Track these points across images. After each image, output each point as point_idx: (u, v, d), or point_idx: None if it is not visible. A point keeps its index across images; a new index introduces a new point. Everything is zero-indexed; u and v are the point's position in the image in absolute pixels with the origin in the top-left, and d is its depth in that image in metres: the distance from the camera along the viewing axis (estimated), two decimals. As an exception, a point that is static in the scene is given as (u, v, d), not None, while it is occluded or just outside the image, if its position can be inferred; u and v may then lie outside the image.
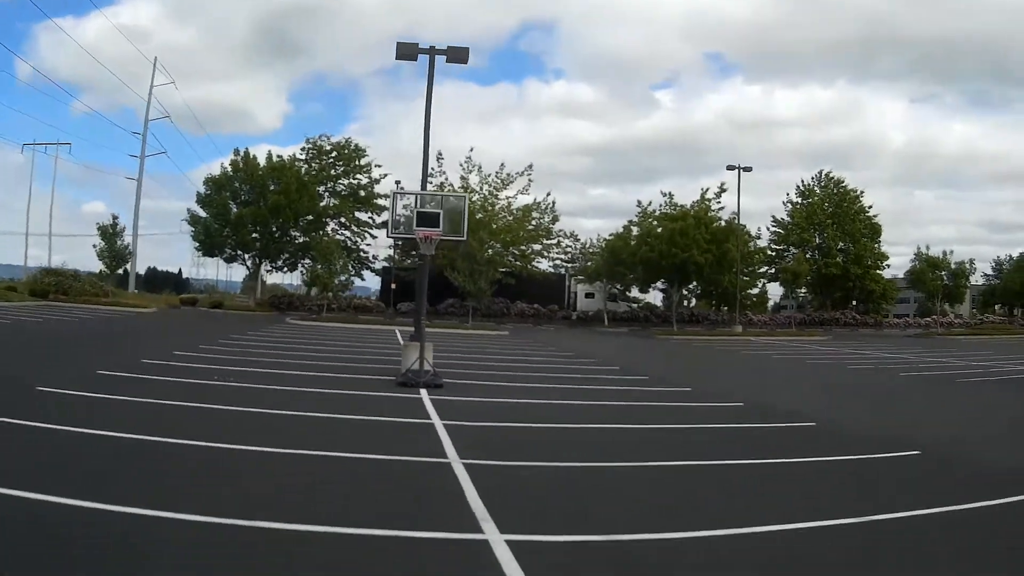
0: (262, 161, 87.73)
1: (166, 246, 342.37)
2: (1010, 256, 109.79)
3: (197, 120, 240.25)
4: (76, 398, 18.42)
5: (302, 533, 9.34)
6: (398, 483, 12.32)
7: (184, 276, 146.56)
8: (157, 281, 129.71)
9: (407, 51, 29.92)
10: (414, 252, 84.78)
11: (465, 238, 28.06)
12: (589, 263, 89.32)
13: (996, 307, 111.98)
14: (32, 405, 16.99)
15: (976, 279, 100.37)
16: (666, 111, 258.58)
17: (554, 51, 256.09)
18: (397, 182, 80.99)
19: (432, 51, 30.07)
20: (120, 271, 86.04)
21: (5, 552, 8.22)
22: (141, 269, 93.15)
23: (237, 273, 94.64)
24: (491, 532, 9.71)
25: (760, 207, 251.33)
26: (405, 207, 28.77)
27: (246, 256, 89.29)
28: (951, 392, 30.95)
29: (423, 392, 23.26)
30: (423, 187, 30.08)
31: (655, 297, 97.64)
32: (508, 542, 9.33)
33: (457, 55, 29.97)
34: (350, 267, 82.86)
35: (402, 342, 31.66)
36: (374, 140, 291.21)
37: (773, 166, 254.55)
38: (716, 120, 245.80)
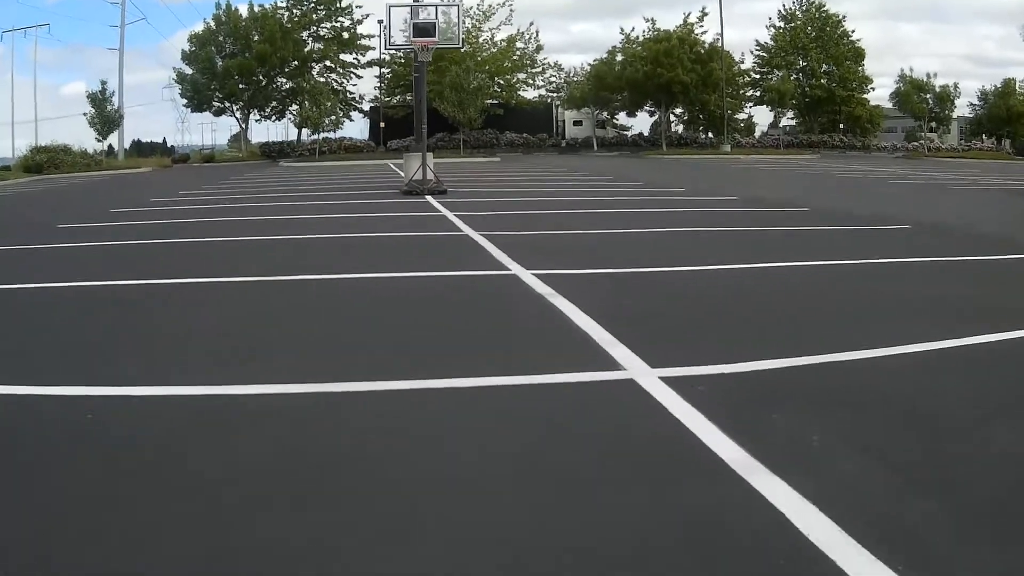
0: (244, 13, 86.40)
1: (149, 117, 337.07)
2: (996, 86, 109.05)
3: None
4: (97, 228, 19.20)
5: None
6: (429, 248, 13.74)
7: (169, 144, 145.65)
8: (143, 151, 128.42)
9: None
10: (399, 88, 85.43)
11: (461, 45, 28.70)
12: (575, 90, 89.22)
13: (983, 136, 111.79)
14: (58, 234, 17.87)
15: (963, 110, 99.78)
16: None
17: None
18: (380, 21, 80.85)
19: None
20: (109, 143, 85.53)
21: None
22: (126, 142, 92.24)
23: (221, 136, 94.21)
24: (516, 269, 11.75)
25: (742, 38, 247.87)
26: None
27: (234, 107, 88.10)
28: (940, 194, 31.52)
29: (429, 197, 24.38)
30: None
31: (644, 125, 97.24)
32: (534, 274, 11.06)
33: None
34: (339, 108, 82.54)
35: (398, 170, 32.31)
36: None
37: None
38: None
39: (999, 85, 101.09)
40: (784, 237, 16.10)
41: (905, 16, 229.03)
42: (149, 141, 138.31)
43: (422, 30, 26.26)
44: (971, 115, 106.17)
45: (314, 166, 60.52)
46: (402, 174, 28.82)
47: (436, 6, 27.87)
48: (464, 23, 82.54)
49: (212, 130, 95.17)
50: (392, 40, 28.48)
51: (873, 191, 32.35)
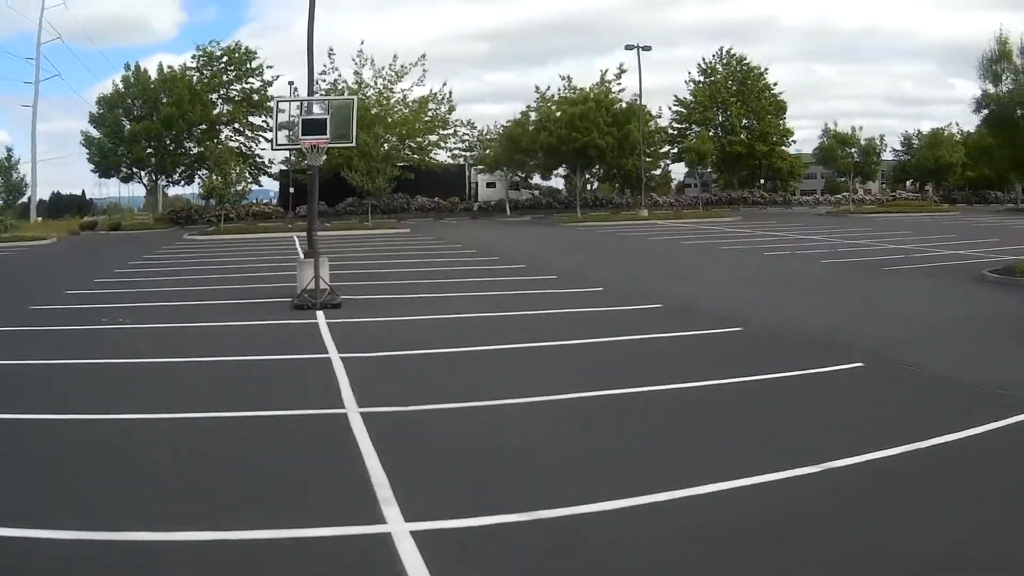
0: (154, 74, 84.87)
1: (68, 168, 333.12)
2: (919, 131, 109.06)
3: (90, 38, 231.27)
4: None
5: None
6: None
7: (88, 197, 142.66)
8: (61, 206, 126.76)
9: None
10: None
11: (354, 143, 26.13)
12: (488, 151, 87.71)
13: (907, 183, 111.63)
14: None
15: (886, 155, 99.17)
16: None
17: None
18: (291, 83, 79.91)
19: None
20: (19, 203, 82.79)
21: None
22: (45, 195, 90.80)
23: (140, 188, 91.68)
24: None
25: (660, 84, 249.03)
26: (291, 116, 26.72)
27: (142, 173, 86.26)
28: (879, 283, 29.39)
29: (319, 315, 21.72)
30: (309, 92, 28.22)
31: (558, 182, 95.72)
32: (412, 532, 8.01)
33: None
34: (246, 174, 79.76)
35: (300, 253, 29.74)
36: (270, 41, 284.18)
37: (673, 44, 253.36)
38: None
39: (925, 132, 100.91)
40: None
41: (823, 58, 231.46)
42: (69, 194, 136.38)
43: (312, 127, 23.97)
44: (894, 160, 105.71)
45: (215, 240, 58.30)
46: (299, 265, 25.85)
47: (328, 100, 25.54)
48: (376, 84, 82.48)
49: (148, 191, 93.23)
50: (279, 141, 26.21)
51: (811, 281, 29.97)
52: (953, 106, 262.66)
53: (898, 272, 31.64)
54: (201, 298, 26.20)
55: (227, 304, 24.74)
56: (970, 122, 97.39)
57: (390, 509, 8.11)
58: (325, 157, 25.77)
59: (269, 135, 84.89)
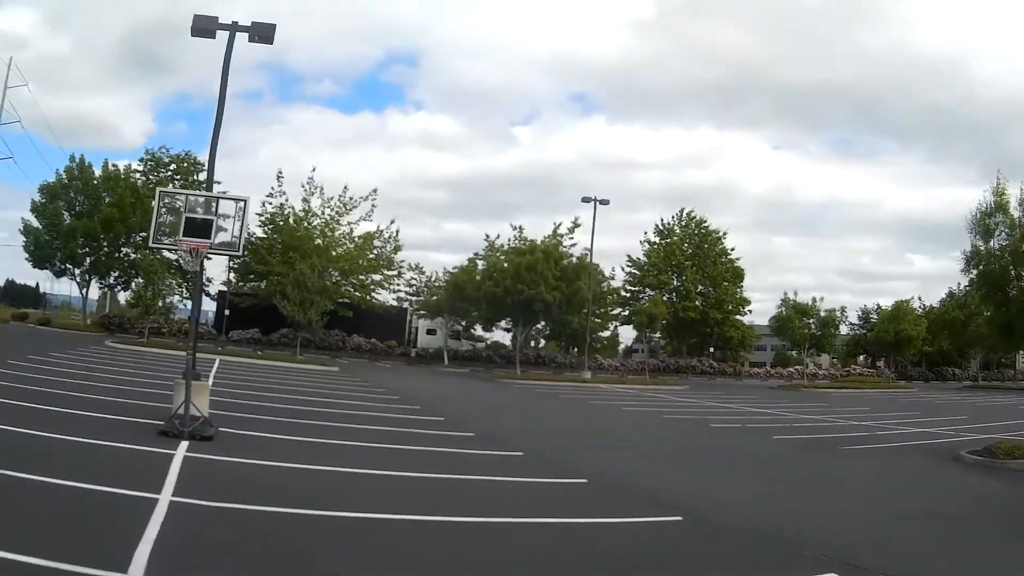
0: (98, 171, 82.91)
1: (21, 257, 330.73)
2: (878, 305, 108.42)
3: (51, 130, 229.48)
4: None
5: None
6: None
7: (42, 291, 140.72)
8: (15, 295, 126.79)
9: (205, 25, 24.43)
10: (251, 276, 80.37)
11: (241, 253, 22.96)
12: (434, 297, 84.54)
13: (860, 358, 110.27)
14: None
15: (841, 329, 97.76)
16: (526, 147, 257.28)
17: (416, 82, 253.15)
18: (236, 200, 76.73)
19: (234, 27, 24.53)
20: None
21: None
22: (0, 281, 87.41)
23: (95, 290, 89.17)
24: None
25: (616, 248, 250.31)
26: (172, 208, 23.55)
27: (76, 271, 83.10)
28: (843, 465, 26.27)
29: (182, 445, 18.47)
30: (208, 189, 24.80)
31: (503, 336, 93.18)
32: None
33: (262, 32, 24.58)
34: (178, 287, 77.20)
35: (211, 372, 26.19)
36: (231, 163, 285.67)
37: (631, 208, 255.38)
38: (576, 158, 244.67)
39: (887, 305, 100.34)
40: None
41: (779, 229, 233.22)
42: (24, 284, 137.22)
43: (197, 228, 21.13)
44: (850, 333, 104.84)
45: (132, 351, 55.42)
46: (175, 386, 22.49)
47: (217, 199, 22.25)
48: (323, 214, 79.90)
49: (80, 291, 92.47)
50: (162, 231, 22.99)
51: (765, 461, 26.31)
52: (910, 281, 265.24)
53: (864, 452, 29.00)
54: (71, 406, 23.33)
55: (92, 417, 22.03)
56: (932, 296, 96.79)
57: None
58: (200, 268, 22.19)
59: (211, 252, 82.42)
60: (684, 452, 27.64)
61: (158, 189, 23.83)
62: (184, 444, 18.55)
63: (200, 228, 21.06)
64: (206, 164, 23.85)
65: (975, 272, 76.82)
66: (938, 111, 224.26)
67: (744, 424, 37.94)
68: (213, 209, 22.03)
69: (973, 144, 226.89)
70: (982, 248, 73.47)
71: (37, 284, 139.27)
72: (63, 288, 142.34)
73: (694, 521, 15.34)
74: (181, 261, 21.87)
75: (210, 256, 23.26)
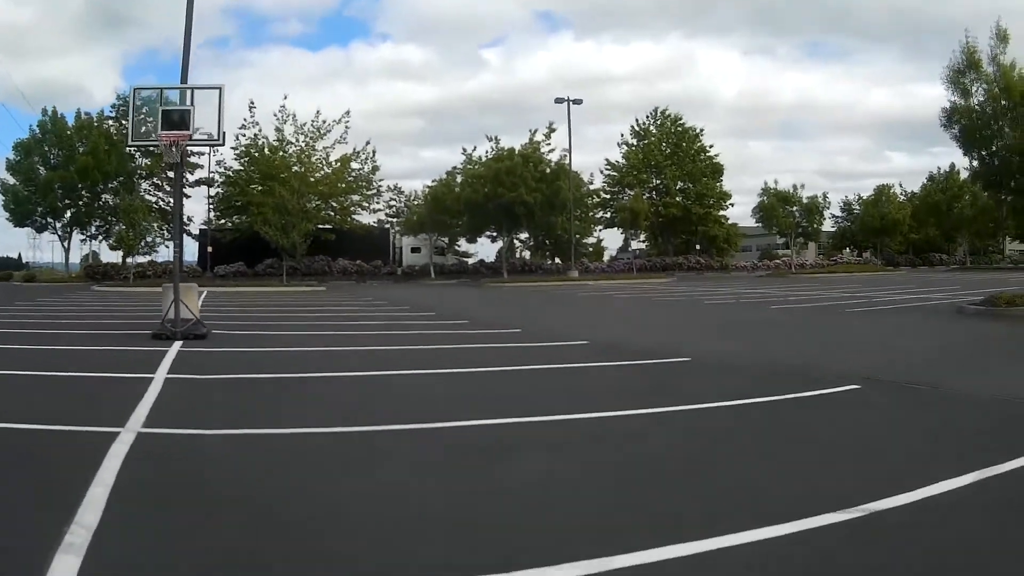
0: (71, 122, 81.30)
1: (8, 230, 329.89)
2: (859, 195, 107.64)
3: (26, 99, 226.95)
4: None
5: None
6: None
7: (24, 261, 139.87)
8: None
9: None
10: (231, 210, 79.63)
11: (221, 140, 22.22)
12: (414, 215, 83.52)
13: (847, 250, 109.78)
14: None
15: (825, 224, 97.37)
16: (496, 70, 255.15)
17: (381, 14, 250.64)
18: (198, 128, 75.61)
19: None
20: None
21: None
22: None
23: (76, 255, 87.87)
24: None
25: (592, 162, 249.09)
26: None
27: (57, 224, 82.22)
28: (849, 321, 26.13)
29: (176, 344, 18.20)
30: (183, 80, 23.49)
31: (489, 253, 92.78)
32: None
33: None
34: (157, 228, 76.53)
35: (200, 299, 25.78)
36: (200, 111, 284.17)
37: (605, 120, 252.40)
38: (547, 77, 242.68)
39: (870, 194, 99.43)
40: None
41: (755, 134, 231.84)
42: (5, 256, 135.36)
43: (174, 122, 20.28)
44: (833, 228, 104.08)
45: (121, 292, 55.11)
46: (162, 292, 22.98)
47: (192, 88, 21.57)
48: (298, 142, 79.10)
49: (64, 249, 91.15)
50: (139, 132, 22.50)
51: (769, 323, 26.14)
52: (890, 179, 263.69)
53: (867, 312, 28.90)
54: (67, 329, 23.42)
55: (88, 334, 21.76)
56: (914, 185, 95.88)
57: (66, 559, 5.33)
58: (180, 159, 21.51)
59: (189, 190, 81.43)
60: (681, 323, 27.39)
61: (132, 87, 23.06)
62: (178, 344, 18.32)
63: (177, 121, 20.35)
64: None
65: (956, 128, 75.87)
66: (909, 9, 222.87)
67: (739, 300, 37.74)
68: (188, 100, 21.36)
69: (946, 41, 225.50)
70: (961, 104, 72.67)
71: (19, 255, 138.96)
72: (45, 256, 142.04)
73: (703, 362, 15.20)
74: (163, 152, 21.01)
75: (190, 149, 22.80)
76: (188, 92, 21.52)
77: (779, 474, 7.55)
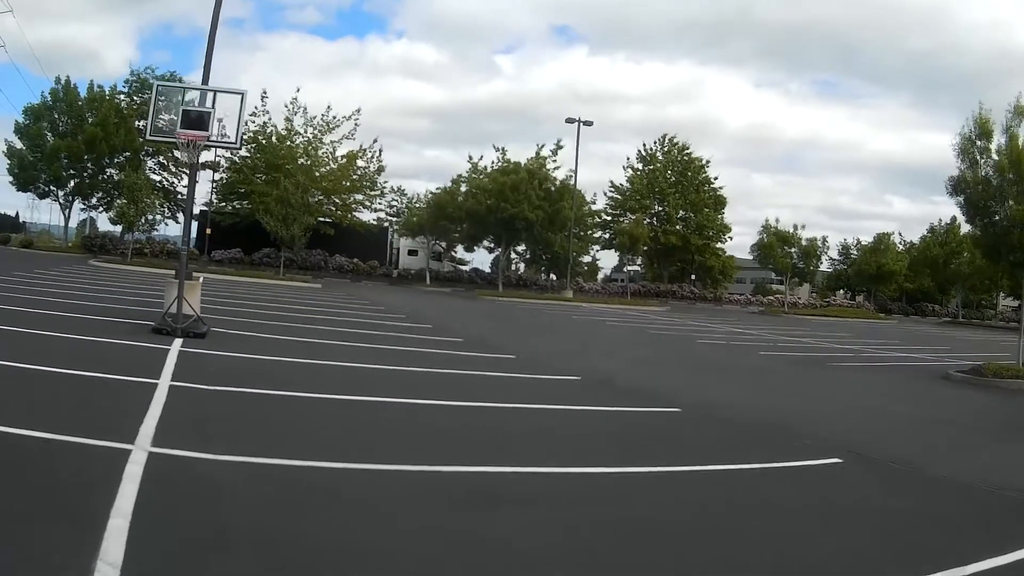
0: (83, 93, 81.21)
1: (4, 190, 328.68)
2: (858, 240, 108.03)
3: (37, 60, 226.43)
4: None
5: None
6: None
7: (21, 220, 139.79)
8: None
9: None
10: (233, 196, 79.87)
11: (237, 144, 22.49)
12: (414, 217, 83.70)
13: (840, 292, 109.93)
14: None
15: (822, 264, 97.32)
16: (507, 77, 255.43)
17: (399, 11, 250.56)
18: (219, 120, 75.73)
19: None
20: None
21: None
22: None
23: (75, 218, 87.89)
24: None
25: (596, 179, 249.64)
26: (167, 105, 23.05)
27: (59, 192, 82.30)
28: (833, 377, 26.31)
29: (176, 342, 18.44)
30: (205, 80, 23.52)
31: (483, 261, 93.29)
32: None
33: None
34: (159, 206, 76.47)
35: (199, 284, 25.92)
36: (219, 104, 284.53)
37: (612, 139, 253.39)
38: (557, 89, 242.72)
39: (869, 241, 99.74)
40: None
41: (758, 166, 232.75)
42: (2, 214, 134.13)
43: (193, 121, 20.38)
44: (830, 269, 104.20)
45: (118, 269, 54.99)
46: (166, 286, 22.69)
47: (214, 91, 21.71)
48: (306, 133, 79.26)
49: (64, 211, 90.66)
50: (157, 127, 22.54)
51: (755, 372, 26.33)
52: (889, 222, 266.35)
53: (852, 368, 29.11)
54: (64, 311, 23.20)
55: (85, 319, 21.75)
56: (913, 233, 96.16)
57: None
58: (198, 160, 21.73)
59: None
60: (673, 361, 27.71)
61: (155, 82, 23.32)
62: (178, 341, 18.55)
63: (196, 120, 20.46)
64: (203, 61, 22.98)
65: (961, 197, 76.27)
66: (922, 58, 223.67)
67: (728, 342, 37.90)
68: (209, 102, 21.43)
69: (956, 93, 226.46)
70: (969, 173, 73.05)
71: (16, 213, 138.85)
72: (42, 216, 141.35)
73: (692, 414, 15.47)
74: (180, 152, 21.23)
75: (208, 147, 22.92)
76: (212, 95, 21.54)
77: (741, 564, 7.63)
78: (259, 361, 17.74)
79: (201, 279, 21.90)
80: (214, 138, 21.05)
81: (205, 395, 13.11)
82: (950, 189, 58.76)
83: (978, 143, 50.97)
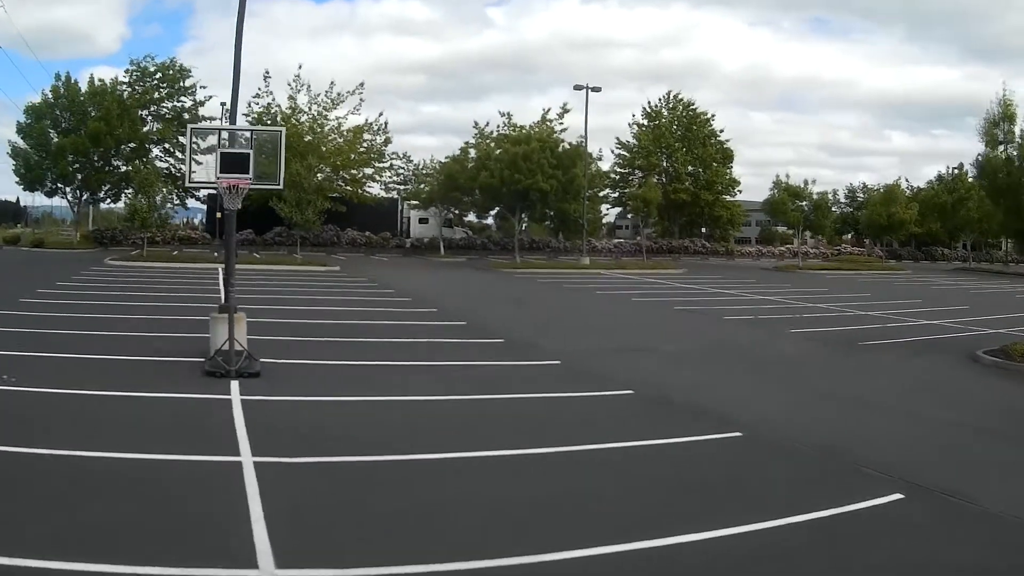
0: (84, 88, 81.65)
1: (3, 175, 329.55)
2: (864, 184, 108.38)
3: (27, 44, 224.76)
4: None
5: None
6: None
7: (23, 205, 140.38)
8: None
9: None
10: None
11: (281, 185, 22.35)
12: (423, 186, 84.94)
13: (848, 236, 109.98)
14: None
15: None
16: (500, 29, 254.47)
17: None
18: (223, 104, 76.08)
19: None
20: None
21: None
22: None
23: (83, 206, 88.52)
24: None
25: (594, 126, 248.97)
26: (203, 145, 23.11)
27: (67, 190, 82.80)
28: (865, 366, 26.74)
29: (233, 386, 17.95)
30: (232, 120, 23.71)
31: (491, 220, 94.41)
32: None
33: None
34: (173, 196, 77.43)
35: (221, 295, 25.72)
36: (208, 60, 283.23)
37: (607, 85, 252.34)
38: (550, 38, 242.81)
39: (878, 187, 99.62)
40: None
41: (756, 106, 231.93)
42: (4, 200, 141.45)
43: (232, 163, 20.02)
44: (836, 211, 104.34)
45: (136, 269, 54.82)
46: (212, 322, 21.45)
47: (252, 131, 21.63)
48: (311, 111, 79.26)
49: (72, 209, 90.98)
50: (193, 175, 22.39)
51: (795, 363, 26.75)
52: (889, 157, 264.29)
53: (883, 349, 29.21)
54: (100, 350, 22.20)
55: (126, 361, 21.02)
56: (913, 174, 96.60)
57: None
58: (241, 205, 21.33)
59: (200, 157, 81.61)
60: (711, 353, 27.45)
61: (189, 126, 23.27)
62: (234, 384, 18.04)
63: (237, 163, 20.02)
64: (229, 100, 22.85)
65: (987, 181, 77.01)
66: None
67: (756, 316, 38.31)
68: (248, 142, 21.37)
69: (951, 28, 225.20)
70: (992, 156, 73.67)
71: (18, 198, 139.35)
72: (44, 201, 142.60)
73: (754, 441, 15.30)
74: (223, 197, 20.74)
75: (251, 192, 22.56)
76: (249, 134, 21.43)
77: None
78: (326, 406, 17.39)
79: (245, 316, 21.32)
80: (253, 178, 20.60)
81: (296, 474, 12.19)
82: (976, 172, 59.56)
83: (1002, 125, 51.57)
